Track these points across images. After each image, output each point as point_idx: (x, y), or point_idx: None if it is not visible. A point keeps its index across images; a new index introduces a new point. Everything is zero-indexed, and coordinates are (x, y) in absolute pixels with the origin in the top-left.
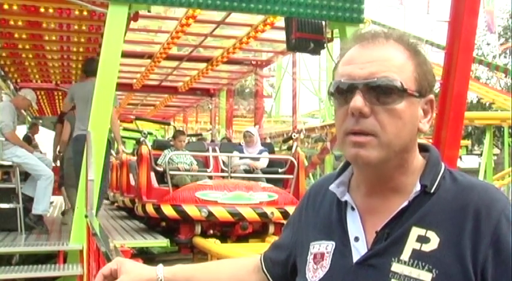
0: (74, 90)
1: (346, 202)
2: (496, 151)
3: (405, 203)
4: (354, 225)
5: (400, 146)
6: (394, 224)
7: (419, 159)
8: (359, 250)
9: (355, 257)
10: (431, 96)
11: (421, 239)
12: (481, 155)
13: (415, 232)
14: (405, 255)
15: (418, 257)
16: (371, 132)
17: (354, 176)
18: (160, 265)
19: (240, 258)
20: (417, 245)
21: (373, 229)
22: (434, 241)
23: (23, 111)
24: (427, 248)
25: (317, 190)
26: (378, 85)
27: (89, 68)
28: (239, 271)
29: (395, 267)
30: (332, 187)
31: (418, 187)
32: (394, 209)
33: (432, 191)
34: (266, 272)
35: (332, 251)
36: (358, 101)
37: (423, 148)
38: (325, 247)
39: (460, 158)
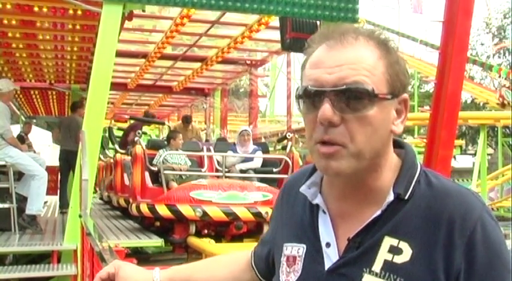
0: (61, 121)
1: (318, 204)
2: (490, 150)
3: (378, 213)
4: (325, 230)
5: (371, 153)
6: (367, 233)
7: (393, 159)
8: (330, 256)
9: (327, 264)
10: (405, 95)
11: (393, 250)
12: (475, 154)
13: (388, 242)
14: (377, 266)
15: (389, 269)
16: (340, 143)
17: (326, 178)
18: (157, 269)
19: (235, 253)
20: (389, 256)
21: (345, 235)
22: (406, 253)
23: (16, 111)
24: (399, 260)
25: (292, 185)
26: (347, 90)
27: (73, 107)
28: (235, 268)
29: (367, 278)
30: (303, 189)
31: (391, 196)
32: (367, 216)
33: (406, 197)
34: (254, 267)
35: (303, 256)
36: (327, 110)
37: (398, 145)
38: (297, 251)
39: (454, 157)
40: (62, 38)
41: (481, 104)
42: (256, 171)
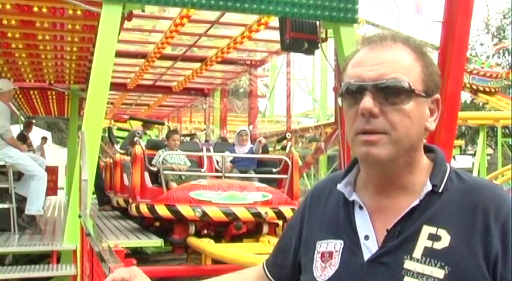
0: None
1: (353, 201)
2: (490, 150)
3: (416, 202)
4: (363, 224)
5: (409, 144)
6: (405, 223)
7: (425, 160)
8: (370, 248)
9: (366, 256)
10: (438, 96)
11: (432, 237)
12: (474, 155)
13: (426, 230)
14: (417, 253)
15: (430, 255)
16: (382, 131)
17: (360, 176)
18: None
19: (240, 271)
20: (429, 243)
21: (383, 227)
22: (445, 239)
23: (16, 111)
24: (438, 245)
25: (321, 189)
26: (386, 86)
27: None
28: None
29: (408, 264)
30: (340, 187)
31: (429, 187)
32: (404, 207)
33: (440, 190)
34: (272, 278)
35: (341, 250)
36: (368, 102)
37: (427, 149)
38: (333, 246)
39: (454, 158)
40: (62, 38)
41: (481, 105)
42: (255, 171)
